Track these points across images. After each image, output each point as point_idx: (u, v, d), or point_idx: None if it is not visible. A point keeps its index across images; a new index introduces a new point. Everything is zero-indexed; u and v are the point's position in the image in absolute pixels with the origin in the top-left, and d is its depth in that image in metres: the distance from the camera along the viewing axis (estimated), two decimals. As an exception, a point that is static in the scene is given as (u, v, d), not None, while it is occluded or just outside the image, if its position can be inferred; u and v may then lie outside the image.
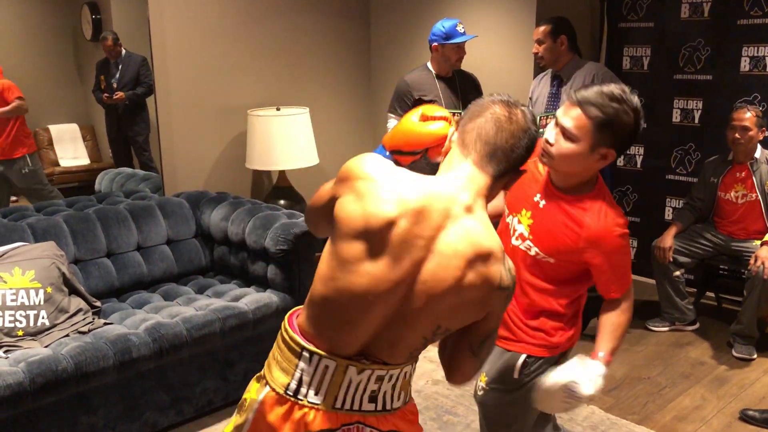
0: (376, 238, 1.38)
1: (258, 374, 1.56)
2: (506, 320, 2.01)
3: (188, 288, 3.38)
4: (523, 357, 1.98)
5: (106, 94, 4.07)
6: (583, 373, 1.80)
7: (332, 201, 1.48)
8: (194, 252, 3.59)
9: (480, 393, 2.11)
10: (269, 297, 3.18)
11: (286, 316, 1.55)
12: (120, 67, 4.08)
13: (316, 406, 1.44)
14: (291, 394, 1.45)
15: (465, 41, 3.81)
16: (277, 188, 4.23)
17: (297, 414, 1.45)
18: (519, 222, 1.97)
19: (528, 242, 1.94)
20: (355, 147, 4.81)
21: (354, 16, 4.70)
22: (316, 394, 1.45)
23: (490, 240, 1.42)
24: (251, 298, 3.15)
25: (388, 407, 1.50)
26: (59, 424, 2.61)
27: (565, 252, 1.87)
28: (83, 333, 2.81)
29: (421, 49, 4.39)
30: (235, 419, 1.55)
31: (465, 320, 1.46)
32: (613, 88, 1.78)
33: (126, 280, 3.33)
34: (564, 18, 3.64)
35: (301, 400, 1.45)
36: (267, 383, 1.49)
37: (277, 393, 1.46)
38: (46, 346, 2.71)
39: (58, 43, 3.94)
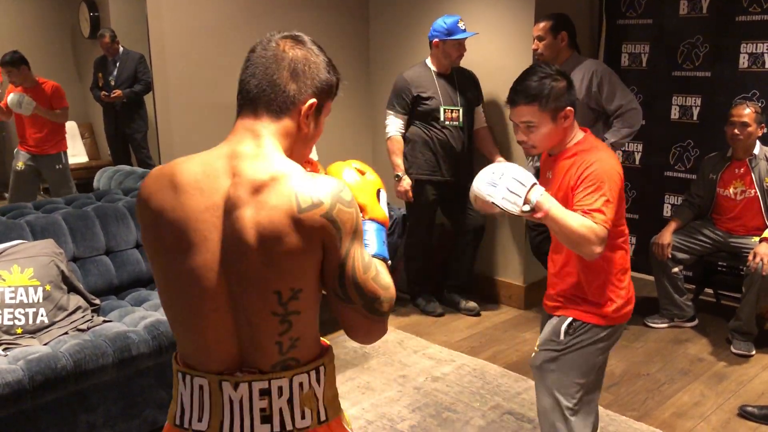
0: (169, 233, 1.26)
1: None
2: (558, 291, 2.17)
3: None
4: (569, 320, 2.11)
5: (104, 92, 4.07)
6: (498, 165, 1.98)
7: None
8: (193, 249, 3.58)
9: (533, 357, 2.23)
10: (268, 294, 3.18)
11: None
12: (118, 64, 4.08)
13: None
14: (178, 423, 1.33)
15: (466, 38, 3.80)
16: (276, 185, 4.22)
17: None
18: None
19: None
20: (354, 144, 4.81)
21: (353, 13, 4.69)
22: (200, 420, 1.30)
23: (271, 167, 1.24)
24: (250, 296, 3.14)
25: (288, 427, 1.30)
26: (58, 422, 2.60)
27: (572, 190, 2.00)
28: (82, 331, 2.81)
29: (420, 46, 4.39)
30: None
31: (299, 267, 1.23)
32: (531, 71, 2.05)
33: (125, 278, 3.33)
34: (564, 14, 3.64)
35: (186, 428, 1.32)
36: (168, 418, 1.40)
37: (169, 423, 1.37)
38: (45, 344, 2.70)
39: (56, 40, 3.94)
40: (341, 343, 3.72)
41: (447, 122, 3.88)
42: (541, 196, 1.89)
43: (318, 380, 1.33)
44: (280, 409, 1.29)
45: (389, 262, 1.39)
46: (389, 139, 3.95)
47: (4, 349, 2.65)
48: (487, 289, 4.46)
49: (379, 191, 1.46)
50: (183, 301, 1.28)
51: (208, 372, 1.30)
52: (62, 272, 2.95)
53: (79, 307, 2.93)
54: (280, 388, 1.29)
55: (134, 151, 4.23)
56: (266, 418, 1.29)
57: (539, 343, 2.21)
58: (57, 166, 3.97)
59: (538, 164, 3.69)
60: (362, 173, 1.47)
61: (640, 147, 4.52)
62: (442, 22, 3.77)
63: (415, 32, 4.46)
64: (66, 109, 3.93)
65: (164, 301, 1.33)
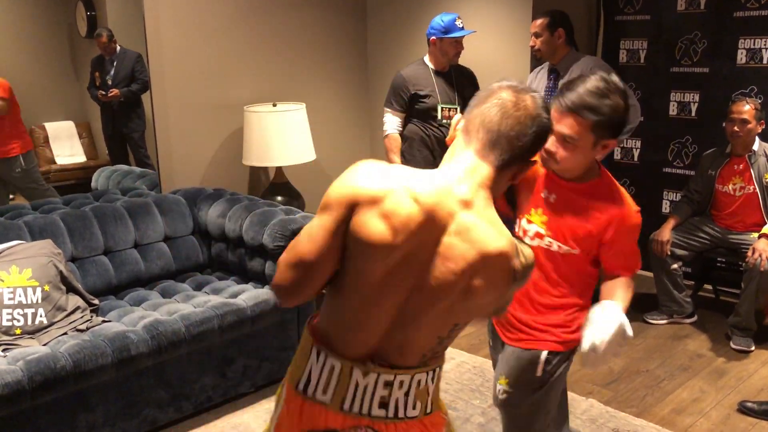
0: (395, 248, 1.32)
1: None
2: (522, 320, 2.02)
3: (186, 285, 3.37)
4: (544, 354, 1.99)
5: (101, 92, 4.06)
6: (617, 315, 1.81)
7: (339, 229, 1.35)
8: (192, 249, 3.58)
9: (502, 396, 2.09)
10: (267, 293, 3.17)
11: (309, 318, 1.54)
12: (115, 63, 4.07)
13: (323, 405, 1.43)
14: (301, 389, 1.45)
15: (463, 36, 3.80)
16: (274, 184, 4.22)
17: (306, 409, 1.44)
18: (530, 222, 1.97)
19: (548, 239, 1.94)
20: (352, 142, 4.80)
21: (350, 11, 4.69)
22: (324, 393, 1.42)
23: (498, 238, 1.33)
24: (249, 295, 3.14)
25: (400, 415, 1.44)
26: (58, 422, 2.60)
27: (588, 237, 1.89)
28: (81, 331, 2.81)
29: (417, 44, 4.38)
30: (272, 415, 1.59)
31: (484, 315, 1.47)
32: (597, 81, 1.80)
33: (124, 278, 3.33)
34: (561, 11, 3.64)
35: (310, 397, 1.44)
36: (287, 380, 1.51)
37: (291, 388, 1.47)
38: (44, 345, 2.70)
39: (53, 40, 3.92)
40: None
41: (444, 120, 3.88)
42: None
43: (432, 379, 1.47)
44: (397, 399, 1.42)
45: None
46: (387, 137, 3.95)
47: (3, 350, 2.64)
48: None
49: None
50: (364, 300, 1.37)
51: (344, 357, 1.41)
52: (61, 272, 2.94)
53: (78, 308, 2.93)
54: (402, 382, 1.42)
55: (132, 150, 4.22)
56: (383, 405, 1.42)
57: (508, 380, 2.06)
58: (16, 170, 3.80)
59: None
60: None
61: (638, 143, 4.52)
62: (439, 20, 3.76)
63: (413, 30, 4.46)
64: (2, 100, 3.62)
65: (342, 288, 1.40)
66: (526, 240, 1.95)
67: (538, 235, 1.95)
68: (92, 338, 2.71)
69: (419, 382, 1.44)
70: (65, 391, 2.57)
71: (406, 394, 1.43)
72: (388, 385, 1.41)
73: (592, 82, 1.80)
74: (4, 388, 2.41)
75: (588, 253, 1.93)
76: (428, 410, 1.48)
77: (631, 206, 1.92)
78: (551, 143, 1.81)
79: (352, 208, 1.33)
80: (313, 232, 1.37)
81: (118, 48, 4.05)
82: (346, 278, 1.39)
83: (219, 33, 4.04)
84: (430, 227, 1.32)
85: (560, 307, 1.99)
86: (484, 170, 1.37)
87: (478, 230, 1.33)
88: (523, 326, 2.03)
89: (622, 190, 1.97)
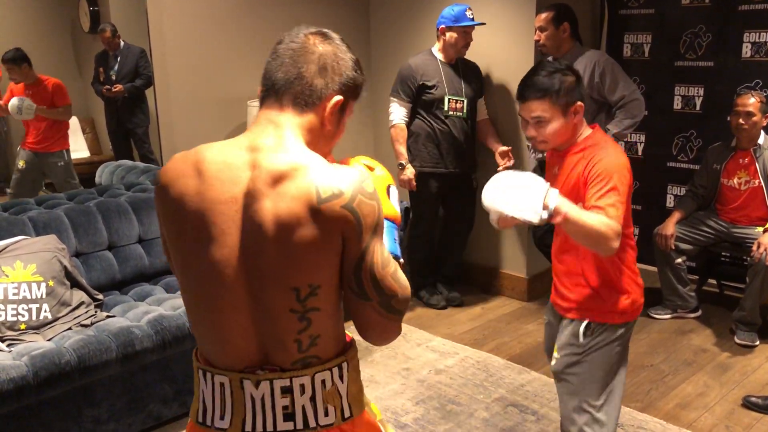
0: (190, 222, 1.23)
1: None
2: (565, 290, 2.15)
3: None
4: (585, 322, 2.10)
5: (105, 87, 4.06)
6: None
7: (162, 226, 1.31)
8: (196, 244, 3.58)
9: (553, 363, 2.20)
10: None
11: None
12: (118, 59, 4.07)
13: (224, 431, 1.29)
14: (201, 420, 1.32)
15: (473, 26, 3.80)
16: (278, 179, 4.21)
17: None
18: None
19: None
20: (355, 136, 4.80)
21: (353, 5, 4.67)
22: (222, 417, 1.29)
23: (291, 157, 1.21)
24: (253, 290, 3.14)
25: (311, 425, 1.28)
26: (63, 417, 2.61)
27: (583, 186, 1.98)
28: (86, 326, 2.81)
29: (421, 38, 4.37)
30: None
31: (317, 262, 1.21)
32: (541, 67, 2.04)
33: (128, 273, 3.33)
34: (566, 5, 3.63)
35: (209, 426, 1.30)
36: (190, 415, 1.39)
37: (192, 421, 1.36)
38: (48, 340, 2.71)
39: (56, 35, 3.94)
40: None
41: (451, 112, 3.87)
42: (557, 200, 1.83)
43: (341, 377, 1.31)
44: (303, 407, 1.28)
45: (401, 260, 1.37)
46: (393, 127, 3.92)
47: (8, 345, 2.65)
48: (490, 281, 4.46)
49: (389, 187, 1.43)
50: (202, 296, 1.26)
51: (229, 370, 1.28)
52: (65, 268, 2.95)
53: (82, 303, 2.93)
54: (302, 386, 1.27)
55: (136, 145, 4.23)
56: (289, 416, 1.27)
57: (558, 347, 2.18)
58: (59, 164, 3.97)
59: (540, 155, 3.69)
60: (371, 169, 1.43)
61: (642, 138, 4.50)
62: (450, 10, 3.77)
63: (416, 24, 4.44)
64: (68, 107, 3.94)
65: (184, 297, 1.32)
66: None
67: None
68: (97, 333, 2.71)
69: (323, 382, 1.28)
70: (70, 386, 2.58)
71: (312, 399, 1.28)
72: (287, 391, 1.27)
73: (537, 69, 2.04)
74: (9, 383, 2.42)
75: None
76: (346, 414, 1.31)
77: (609, 152, 2.00)
78: (530, 130, 2.03)
79: (156, 198, 1.29)
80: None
81: (122, 43, 4.05)
82: (181, 280, 1.30)
83: (222, 27, 4.04)
84: (221, 188, 1.21)
85: (594, 281, 2.08)
86: (285, 117, 1.27)
87: (274, 157, 1.21)
88: (570, 299, 2.14)
89: (609, 139, 2.11)
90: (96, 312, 2.94)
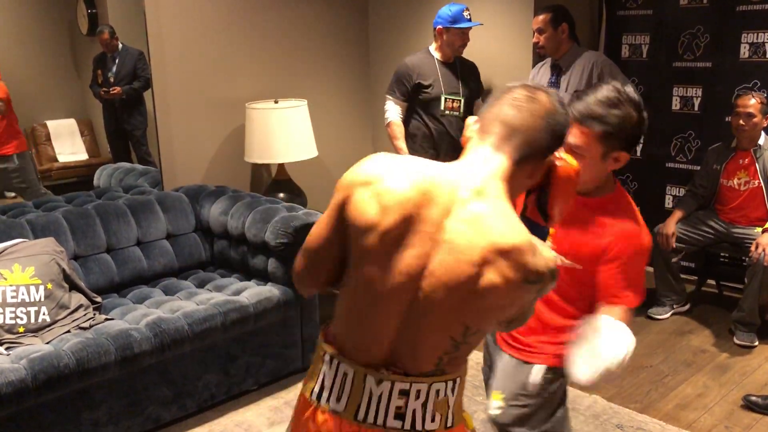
0: (385, 228, 1.28)
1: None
2: (521, 333, 1.95)
3: (189, 282, 3.37)
4: (544, 368, 1.93)
5: (103, 89, 4.05)
6: (623, 334, 1.76)
7: (337, 213, 1.35)
8: (194, 246, 3.58)
9: (497, 411, 2.00)
10: (270, 290, 3.17)
11: (324, 325, 1.51)
12: (117, 60, 4.06)
13: (337, 413, 1.38)
14: (314, 398, 1.41)
15: (470, 27, 3.79)
16: (277, 181, 4.21)
17: (320, 418, 1.39)
18: None
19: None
20: (354, 138, 4.80)
21: (352, 7, 4.67)
22: (338, 400, 1.38)
23: (511, 231, 1.26)
24: (252, 292, 3.14)
25: (418, 427, 1.36)
26: (61, 420, 2.60)
27: (591, 254, 1.80)
28: (84, 329, 2.81)
29: (420, 39, 4.37)
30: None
31: (497, 318, 1.35)
32: (609, 92, 1.74)
33: (126, 276, 3.33)
34: (563, 6, 3.63)
35: (323, 405, 1.39)
36: (302, 390, 1.47)
37: (305, 397, 1.44)
38: (47, 343, 2.70)
39: (54, 37, 3.92)
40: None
41: (447, 111, 3.86)
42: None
43: (452, 390, 1.39)
44: (414, 410, 1.36)
45: None
46: (389, 125, 3.92)
47: (6, 348, 2.65)
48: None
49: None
50: (368, 292, 1.33)
51: (356, 362, 1.36)
52: (63, 270, 2.94)
53: (80, 305, 2.93)
54: (419, 392, 1.35)
55: (134, 147, 4.22)
56: (400, 416, 1.36)
57: (504, 395, 1.97)
58: (7, 169, 3.81)
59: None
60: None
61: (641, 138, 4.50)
62: (447, 10, 3.76)
63: (415, 25, 4.45)
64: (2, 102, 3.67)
65: (349, 285, 1.38)
66: None
67: None
68: (95, 336, 2.71)
69: (437, 392, 1.37)
70: (69, 389, 2.58)
71: (424, 405, 1.36)
72: (404, 394, 1.35)
73: (603, 92, 1.75)
74: (8, 386, 2.41)
75: (591, 272, 1.83)
76: (449, 423, 1.40)
77: (642, 226, 1.82)
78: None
79: (350, 191, 1.32)
80: (319, 220, 1.41)
81: (120, 45, 4.05)
82: (351, 274, 1.36)
83: (220, 29, 4.03)
84: (428, 207, 1.27)
85: (564, 323, 1.90)
86: (500, 161, 1.32)
87: (489, 219, 1.26)
88: (528, 337, 1.95)
89: (635, 209, 1.86)
90: (94, 315, 2.94)
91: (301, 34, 4.42)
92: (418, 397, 1.35)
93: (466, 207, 1.27)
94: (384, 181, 1.29)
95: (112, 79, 4.06)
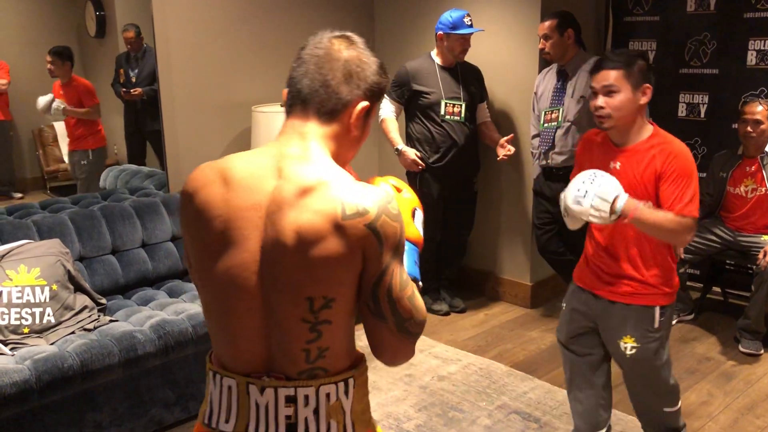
0: (213, 230, 1.25)
1: None
2: (632, 275, 2.27)
3: (193, 285, 3.37)
4: (657, 308, 2.28)
5: (123, 89, 4.07)
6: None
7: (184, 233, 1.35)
8: (199, 249, 3.58)
9: (631, 351, 2.31)
10: (274, 293, 3.17)
11: None
12: (140, 61, 4.08)
13: None
14: (207, 422, 1.33)
15: (470, 33, 3.79)
16: (282, 184, 4.22)
17: None
18: None
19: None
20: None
21: (358, 10, 4.68)
22: (227, 420, 1.30)
23: (318, 171, 1.22)
24: (256, 295, 3.14)
25: None
26: (65, 421, 2.61)
27: (653, 187, 2.17)
28: (89, 330, 2.82)
29: (426, 43, 4.37)
30: None
31: (335, 275, 1.21)
32: (610, 51, 2.36)
33: (131, 277, 3.34)
34: (569, 12, 3.63)
35: (214, 428, 1.31)
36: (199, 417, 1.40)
37: (199, 422, 1.37)
38: (51, 344, 2.71)
39: (62, 39, 3.94)
40: (358, 337, 3.71)
41: (447, 116, 3.86)
42: (625, 204, 2.07)
43: (346, 393, 1.30)
44: (306, 419, 1.27)
45: (420, 284, 1.37)
46: (382, 121, 3.94)
47: (11, 349, 2.66)
48: (493, 287, 4.45)
49: (414, 210, 1.43)
50: (219, 299, 1.28)
51: (237, 373, 1.29)
52: (68, 272, 2.95)
53: (85, 307, 2.94)
54: (307, 397, 1.27)
55: (154, 148, 4.22)
56: (291, 426, 1.27)
57: (635, 337, 2.30)
58: (82, 162, 4.00)
59: (545, 162, 3.69)
60: (399, 190, 1.44)
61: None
62: (448, 16, 3.76)
63: (421, 28, 4.45)
64: (96, 106, 3.97)
65: (202, 300, 1.33)
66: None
67: None
68: (99, 338, 2.72)
69: (328, 395, 1.28)
70: (72, 390, 2.58)
71: (315, 412, 1.27)
72: (291, 400, 1.26)
73: (608, 51, 2.32)
74: (12, 387, 2.42)
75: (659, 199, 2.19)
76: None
77: (677, 150, 2.18)
78: (598, 100, 2.18)
79: (180, 207, 1.33)
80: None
81: (145, 45, 4.06)
82: (200, 284, 1.32)
83: (226, 33, 4.05)
84: (245, 195, 1.23)
85: (655, 261, 2.26)
86: (310, 127, 1.28)
87: (300, 171, 1.23)
88: (636, 280, 2.28)
89: (676, 139, 2.25)
90: (99, 316, 2.95)
91: (307, 37, 4.43)
92: (307, 403, 1.27)
93: (290, 176, 1.23)
94: (199, 195, 1.26)
95: (134, 79, 4.08)
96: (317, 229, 1.18)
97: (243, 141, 4.17)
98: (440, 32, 3.81)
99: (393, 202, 1.24)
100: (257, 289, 1.24)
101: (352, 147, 1.35)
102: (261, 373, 1.28)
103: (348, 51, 1.30)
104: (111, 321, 2.91)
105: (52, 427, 2.58)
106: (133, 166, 4.09)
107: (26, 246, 2.94)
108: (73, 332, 2.79)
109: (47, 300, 2.82)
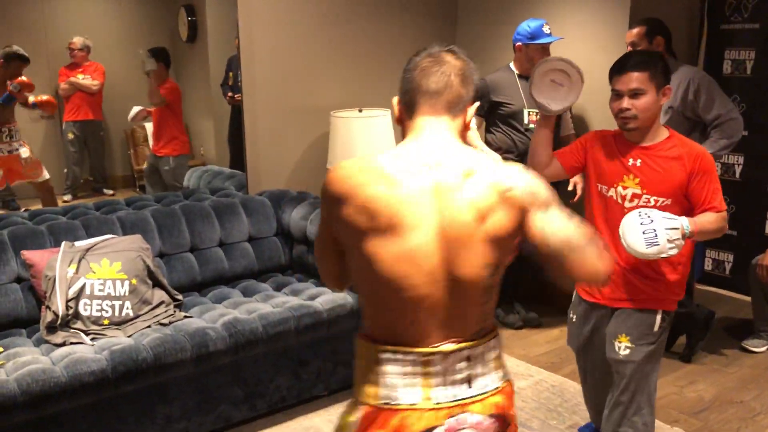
0: (385, 219, 1.39)
1: (348, 403, 1.54)
2: (633, 282, 2.37)
3: (267, 285, 3.43)
4: (660, 313, 2.36)
5: (230, 94, 4.19)
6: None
7: (333, 221, 1.48)
8: (274, 250, 3.64)
9: (626, 351, 2.39)
10: (344, 297, 3.18)
11: (356, 335, 1.54)
12: None
13: (413, 407, 1.40)
14: (383, 402, 1.42)
15: (550, 42, 3.70)
16: (358, 189, 4.23)
17: (395, 420, 1.40)
18: (625, 188, 2.33)
19: (645, 196, 2.30)
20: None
21: (440, 18, 4.66)
22: (410, 394, 1.41)
23: (471, 156, 1.44)
24: (327, 298, 3.16)
25: (488, 388, 1.45)
26: (137, 412, 2.69)
27: (679, 186, 2.26)
28: (164, 325, 2.90)
29: (507, 52, 4.30)
30: None
31: (505, 243, 1.42)
32: (632, 51, 2.54)
33: (208, 275, 3.42)
34: (658, 19, 3.48)
35: (396, 404, 1.41)
36: (359, 402, 1.47)
37: (371, 405, 1.43)
38: (128, 336, 2.80)
39: (156, 43, 4.09)
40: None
41: (531, 125, 3.78)
42: (688, 222, 2.15)
43: (498, 345, 1.50)
44: (480, 374, 1.45)
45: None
46: None
47: (91, 339, 2.77)
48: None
49: None
50: (396, 280, 1.39)
51: (416, 346, 1.41)
52: (148, 267, 3.05)
53: (162, 302, 3.03)
54: (479, 354, 1.45)
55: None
56: (468, 382, 1.44)
57: (631, 338, 2.37)
58: (164, 168, 4.13)
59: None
60: None
61: (740, 159, 4.26)
62: (526, 26, 3.68)
63: (502, 38, 4.37)
64: (156, 92, 4.03)
65: (369, 287, 1.46)
66: (626, 204, 2.32)
67: (636, 196, 2.31)
68: (173, 333, 2.79)
69: (491, 349, 1.47)
70: (145, 382, 2.66)
71: (486, 365, 1.46)
72: (468, 360, 1.43)
73: (626, 53, 2.44)
74: (90, 375, 2.52)
75: (680, 204, 2.27)
76: (506, 377, 1.51)
77: (701, 149, 2.30)
78: (624, 102, 2.24)
79: (331, 205, 1.45)
80: (319, 226, 1.62)
81: None
82: (366, 274, 1.43)
83: (308, 38, 4.10)
84: (409, 185, 1.39)
85: (662, 267, 2.34)
86: (440, 121, 1.47)
87: (451, 158, 1.43)
88: (639, 286, 2.37)
89: (689, 140, 2.36)
90: (175, 312, 3.03)
91: (387, 44, 4.43)
92: (479, 359, 1.44)
93: (437, 169, 1.41)
94: (361, 193, 1.40)
95: (240, 84, 4.19)
96: (489, 202, 1.38)
97: (321, 145, 4.22)
98: (519, 42, 3.73)
99: (528, 169, 1.46)
100: (438, 264, 1.39)
101: (464, 137, 1.56)
102: (439, 341, 1.42)
103: (458, 60, 1.50)
104: (185, 317, 2.99)
105: (125, 418, 2.67)
106: (216, 167, 4.20)
107: (110, 241, 3.06)
108: (149, 326, 2.88)
109: (127, 294, 2.92)
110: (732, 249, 4.27)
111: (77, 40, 3.76)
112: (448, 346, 1.41)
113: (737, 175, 4.27)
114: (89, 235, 3.12)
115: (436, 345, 1.41)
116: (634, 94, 2.24)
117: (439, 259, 1.38)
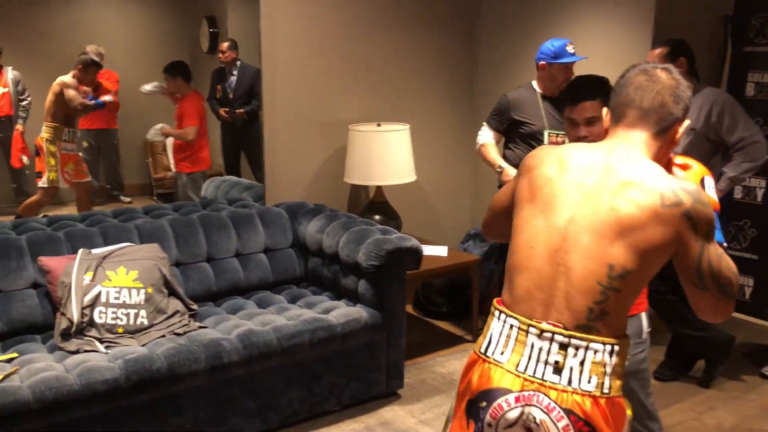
0: (540, 197, 1.59)
1: None
2: None
3: (281, 297, 3.42)
4: (644, 315, 2.25)
5: (225, 109, 4.20)
6: None
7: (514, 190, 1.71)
8: (289, 262, 3.63)
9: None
10: (359, 312, 3.16)
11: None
12: (235, 76, 4.22)
13: (499, 364, 1.55)
14: (483, 351, 1.60)
15: (573, 62, 3.68)
16: (373, 203, 4.22)
17: (484, 368, 1.57)
18: None
19: None
20: (455, 166, 4.75)
21: (461, 34, 4.66)
22: (502, 353, 1.56)
23: (640, 171, 1.51)
24: (341, 312, 3.14)
25: (574, 385, 1.49)
26: (150, 422, 2.68)
27: None
28: (178, 334, 2.89)
29: (528, 70, 4.29)
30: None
31: (642, 254, 1.47)
32: (578, 77, 2.52)
33: (223, 286, 3.41)
34: (681, 40, 3.45)
35: (489, 357, 1.58)
36: (473, 350, 1.66)
37: (475, 353, 1.63)
38: (143, 345, 2.80)
39: (177, 53, 4.13)
40: (430, 368, 3.65)
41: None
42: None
43: (611, 354, 1.51)
44: (572, 368, 1.49)
45: (725, 245, 1.62)
46: (482, 146, 3.83)
47: (105, 347, 2.76)
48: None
49: (703, 179, 1.69)
50: (527, 249, 1.57)
51: (521, 315, 1.56)
52: (164, 276, 3.05)
53: (177, 311, 3.02)
54: (577, 348, 1.50)
55: (249, 163, 4.34)
56: (557, 371, 1.50)
57: None
58: (178, 182, 4.16)
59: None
60: (687, 167, 1.72)
61: (763, 183, 4.20)
62: (549, 45, 3.66)
63: (525, 56, 4.37)
64: (192, 128, 4.10)
65: (513, 247, 1.64)
66: None
67: None
68: (188, 343, 2.78)
69: (595, 352, 1.49)
70: (159, 392, 2.65)
71: (581, 364, 1.49)
72: (563, 347, 1.49)
73: (573, 80, 2.50)
74: (103, 384, 2.51)
75: None
76: (605, 390, 1.50)
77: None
78: (582, 130, 2.29)
79: (520, 172, 1.69)
80: (504, 188, 1.81)
81: (239, 62, 4.20)
82: (515, 237, 1.62)
83: (329, 52, 4.11)
84: (574, 176, 1.56)
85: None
86: (637, 136, 1.58)
87: (625, 168, 1.52)
88: None
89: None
90: (189, 321, 3.02)
91: (407, 59, 4.44)
92: (576, 354, 1.49)
93: (612, 171, 1.53)
94: (539, 169, 1.63)
95: (231, 95, 4.21)
96: (634, 216, 1.47)
97: (338, 158, 4.21)
98: (542, 62, 3.71)
99: (703, 193, 1.52)
100: (562, 247, 1.52)
101: (668, 152, 1.66)
102: (541, 320, 1.52)
103: (672, 79, 1.60)
104: (200, 327, 2.98)
105: (137, 427, 2.66)
106: (234, 178, 4.21)
107: (127, 249, 3.06)
108: (163, 335, 2.88)
109: (142, 302, 2.92)
110: (752, 273, 4.21)
111: (90, 49, 3.80)
112: (546, 326, 1.51)
113: (759, 199, 4.22)
114: (107, 243, 3.13)
115: (539, 321, 1.52)
116: (589, 121, 2.32)
117: (563, 246, 1.51)
